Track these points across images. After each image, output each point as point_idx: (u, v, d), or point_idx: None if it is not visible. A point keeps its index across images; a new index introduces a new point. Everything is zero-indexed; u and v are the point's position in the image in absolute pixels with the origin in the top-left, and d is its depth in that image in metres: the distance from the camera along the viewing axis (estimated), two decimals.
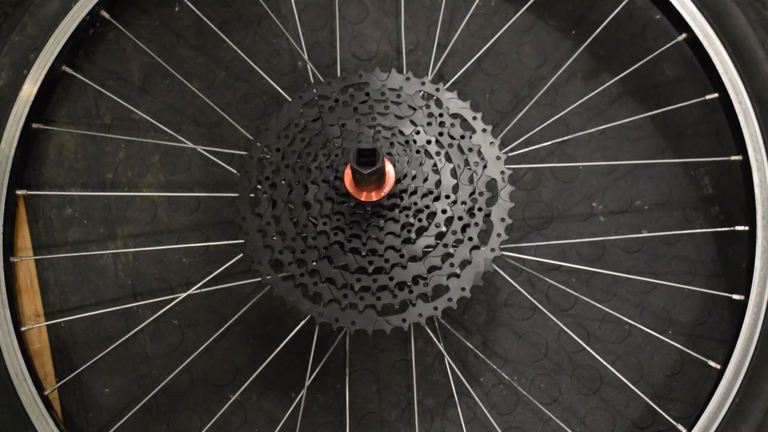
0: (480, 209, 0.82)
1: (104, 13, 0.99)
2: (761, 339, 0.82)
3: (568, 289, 0.96)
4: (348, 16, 1.06)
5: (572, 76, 1.03)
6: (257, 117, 1.03)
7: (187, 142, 0.99)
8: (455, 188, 0.82)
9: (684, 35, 0.93)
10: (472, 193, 0.82)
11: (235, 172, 0.94)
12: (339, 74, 0.91)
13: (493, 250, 0.82)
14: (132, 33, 1.01)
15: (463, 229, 0.82)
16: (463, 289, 0.81)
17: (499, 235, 0.82)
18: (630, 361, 0.97)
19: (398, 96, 0.86)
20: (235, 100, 1.03)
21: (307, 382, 0.90)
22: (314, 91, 0.87)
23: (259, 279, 0.84)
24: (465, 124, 0.86)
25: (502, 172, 0.84)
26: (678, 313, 0.98)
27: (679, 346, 0.92)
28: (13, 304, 0.91)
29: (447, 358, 0.91)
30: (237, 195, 0.85)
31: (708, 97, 0.92)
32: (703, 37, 0.90)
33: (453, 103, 0.86)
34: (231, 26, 1.05)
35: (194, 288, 0.93)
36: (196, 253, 1.00)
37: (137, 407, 0.92)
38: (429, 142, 0.84)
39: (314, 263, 0.81)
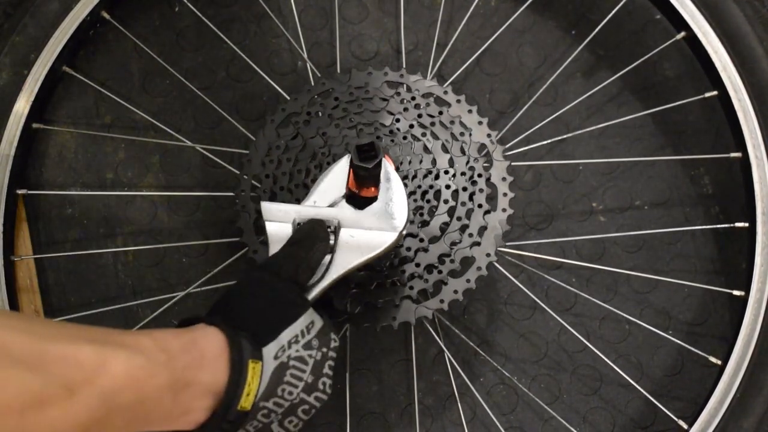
0: (480, 175, 0.84)
1: (105, 14, 0.99)
2: (762, 335, 0.82)
3: (568, 287, 0.96)
4: (348, 16, 1.06)
5: (572, 75, 1.04)
6: (257, 117, 1.03)
7: (187, 141, 0.99)
8: (451, 162, 0.84)
9: (683, 33, 0.93)
10: (468, 162, 0.84)
11: (235, 171, 0.95)
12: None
13: (504, 210, 0.83)
14: (132, 33, 1.01)
15: (470, 197, 0.83)
16: (488, 255, 0.82)
17: (505, 194, 0.84)
18: (630, 360, 0.96)
19: (366, 92, 0.87)
20: (235, 100, 1.04)
21: None
22: (283, 110, 0.88)
23: None
24: (439, 100, 0.87)
25: (488, 135, 0.86)
26: (678, 312, 0.98)
27: (680, 342, 0.92)
28: (12, 303, 0.91)
29: (447, 355, 0.90)
30: (237, 194, 0.85)
31: (707, 94, 0.92)
32: (701, 35, 0.90)
33: (420, 84, 0.88)
34: (231, 26, 1.05)
35: (193, 286, 0.93)
36: (196, 253, 1.00)
37: None
38: (411, 126, 0.85)
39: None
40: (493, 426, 0.93)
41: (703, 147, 1.01)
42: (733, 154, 0.90)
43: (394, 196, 0.71)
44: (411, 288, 0.81)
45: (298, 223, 0.69)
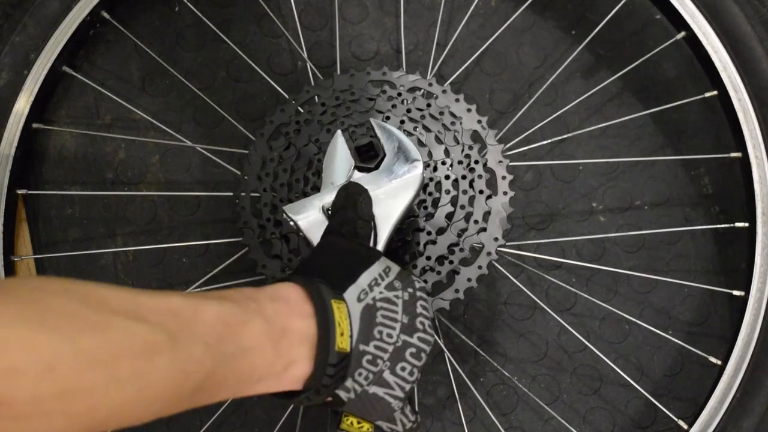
0: (477, 161, 0.84)
1: (104, 14, 0.99)
2: (762, 335, 0.82)
3: (568, 287, 0.96)
4: (348, 16, 1.06)
5: (572, 75, 1.04)
6: (257, 117, 1.03)
7: (187, 141, 0.99)
8: (446, 152, 0.84)
9: (683, 33, 0.93)
10: (463, 150, 0.84)
11: (235, 171, 0.95)
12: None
13: (505, 193, 0.83)
14: (132, 33, 1.01)
15: (471, 184, 0.83)
16: (496, 239, 0.82)
17: (504, 177, 0.84)
18: (630, 360, 0.96)
19: (352, 94, 0.87)
20: (235, 100, 1.04)
21: None
22: (272, 122, 0.88)
23: (258, 277, 0.84)
24: (425, 93, 0.87)
25: (479, 121, 0.86)
26: (678, 312, 0.98)
27: (680, 342, 0.92)
28: None
29: (447, 355, 0.90)
30: (237, 195, 0.85)
31: (707, 94, 0.92)
32: (701, 35, 0.90)
33: (404, 79, 0.88)
34: (231, 26, 1.05)
35: (193, 286, 0.93)
36: (196, 253, 1.00)
37: None
38: (402, 122, 0.85)
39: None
40: (493, 426, 0.93)
41: (703, 147, 1.01)
42: (733, 154, 0.90)
43: (396, 140, 0.74)
44: (425, 282, 0.81)
45: (327, 209, 0.71)
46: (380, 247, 0.70)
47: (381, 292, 0.61)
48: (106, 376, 0.42)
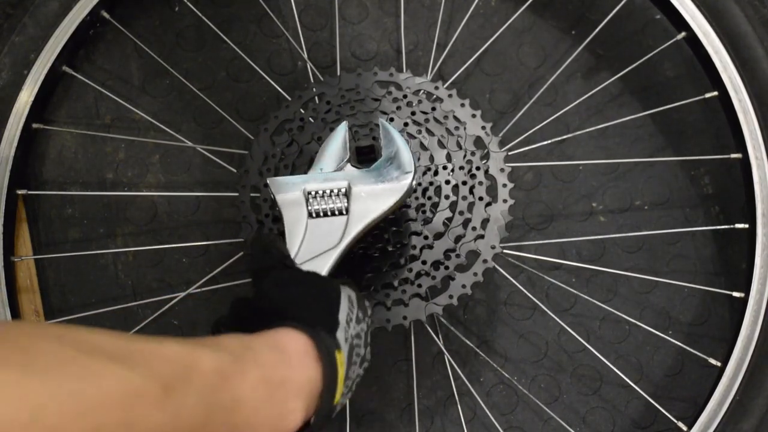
0: (478, 168, 0.83)
1: (104, 14, 0.99)
2: (762, 336, 0.82)
3: (568, 288, 0.95)
4: (348, 16, 1.06)
5: (572, 75, 1.03)
6: (257, 117, 1.03)
7: (187, 141, 0.99)
8: (448, 157, 0.84)
9: (683, 33, 0.93)
10: (465, 156, 0.84)
11: (235, 171, 0.95)
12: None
13: (505, 201, 0.83)
14: (132, 33, 1.01)
15: (471, 191, 0.83)
16: (493, 246, 0.82)
17: (504, 185, 0.84)
18: (630, 360, 0.96)
19: (357, 93, 0.87)
20: (235, 100, 1.04)
21: None
22: (276, 118, 0.87)
23: None
24: (431, 96, 0.87)
25: (483, 127, 0.86)
26: (678, 313, 0.98)
27: (680, 343, 0.92)
28: (12, 303, 0.91)
29: (447, 356, 0.91)
30: (238, 189, 0.85)
31: (707, 95, 0.92)
32: (702, 36, 0.90)
33: (411, 81, 0.88)
34: (231, 26, 1.05)
35: (194, 287, 0.93)
36: (196, 253, 1.00)
37: None
38: (406, 124, 0.85)
39: (346, 277, 0.81)
40: (492, 426, 0.93)
41: (703, 147, 1.01)
42: (733, 155, 0.90)
43: (396, 146, 0.73)
44: (419, 286, 0.81)
45: (308, 193, 0.69)
46: (346, 241, 0.68)
47: (354, 327, 0.61)
48: (94, 424, 0.40)
